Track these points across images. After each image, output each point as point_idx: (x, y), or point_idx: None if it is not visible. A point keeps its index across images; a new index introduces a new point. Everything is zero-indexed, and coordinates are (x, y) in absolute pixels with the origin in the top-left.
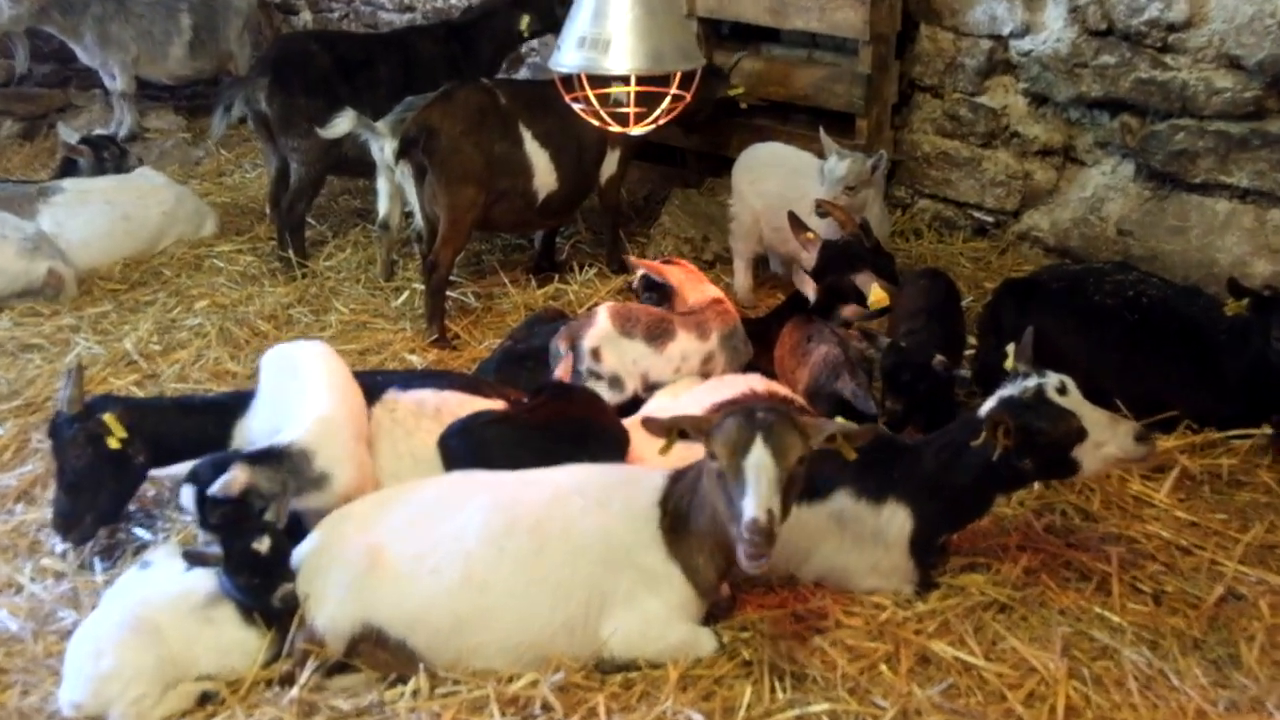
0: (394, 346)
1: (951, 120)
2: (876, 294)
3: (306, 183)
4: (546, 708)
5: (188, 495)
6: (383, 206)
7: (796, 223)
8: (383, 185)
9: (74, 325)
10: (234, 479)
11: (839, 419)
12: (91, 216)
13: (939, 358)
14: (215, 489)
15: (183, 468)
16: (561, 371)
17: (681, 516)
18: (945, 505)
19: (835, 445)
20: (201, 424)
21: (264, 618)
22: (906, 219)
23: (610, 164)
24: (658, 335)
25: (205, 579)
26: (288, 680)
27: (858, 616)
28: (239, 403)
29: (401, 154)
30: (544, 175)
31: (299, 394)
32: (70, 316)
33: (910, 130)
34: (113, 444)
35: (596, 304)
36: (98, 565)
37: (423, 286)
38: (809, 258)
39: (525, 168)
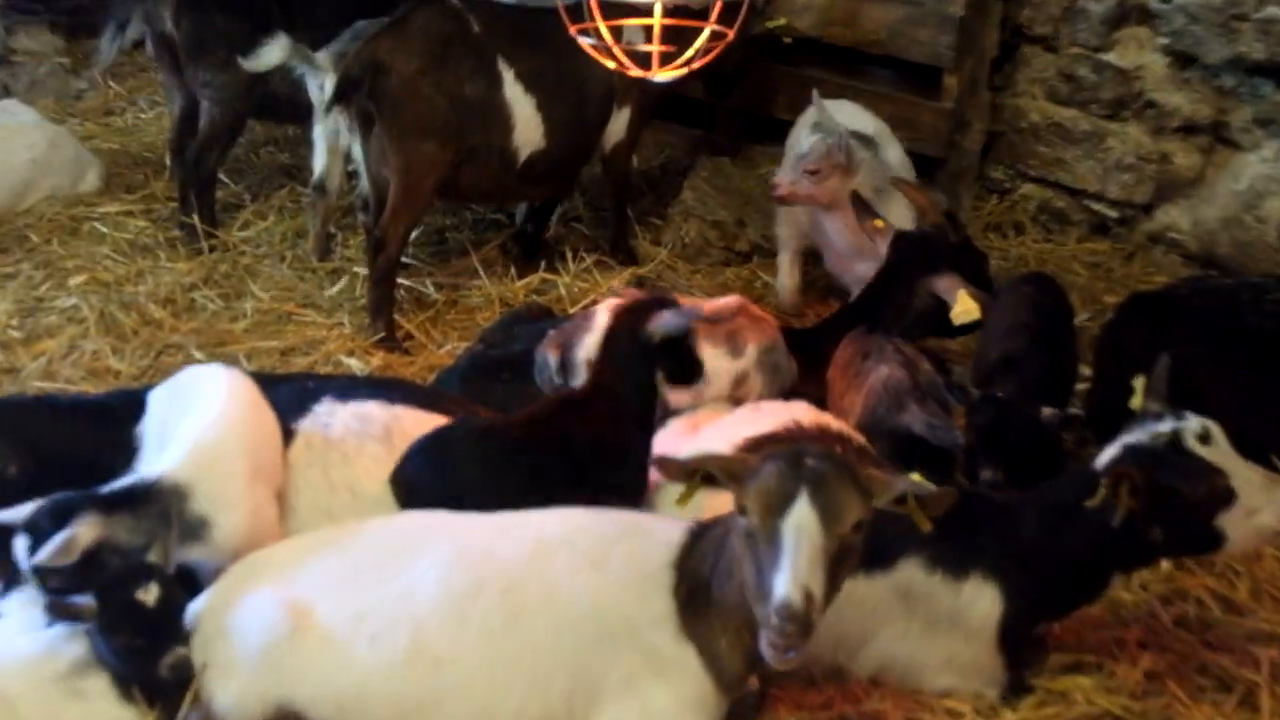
0: (327, 346)
1: (1068, 82)
2: (964, 304)
3: (220, 128)
4: None
5: (20, 549)
6: (319, 163)
7: (862, 206)
8: (320, 135)
9: None
10: (71, 540)
11: (916, 475)
12: None
13: (1049, 410)
14: (42, 556)
15: (18, 512)
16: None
17: (702, 584)
18: (1047, 583)
19: (906, 510)
20: (78, 433)
21: (146, 692)
22: (1005, 208)
23: (618, 125)
24: None
25: (72, 638)
26: None
27: None
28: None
29: (339, 98)
30: (527, 129)
31: (183, 418)
32: None
33: (1014, 93)
34: None
35: (594, 302)
36: None
37: (367, 270)
38: (875, 251)
39: (503, 117)
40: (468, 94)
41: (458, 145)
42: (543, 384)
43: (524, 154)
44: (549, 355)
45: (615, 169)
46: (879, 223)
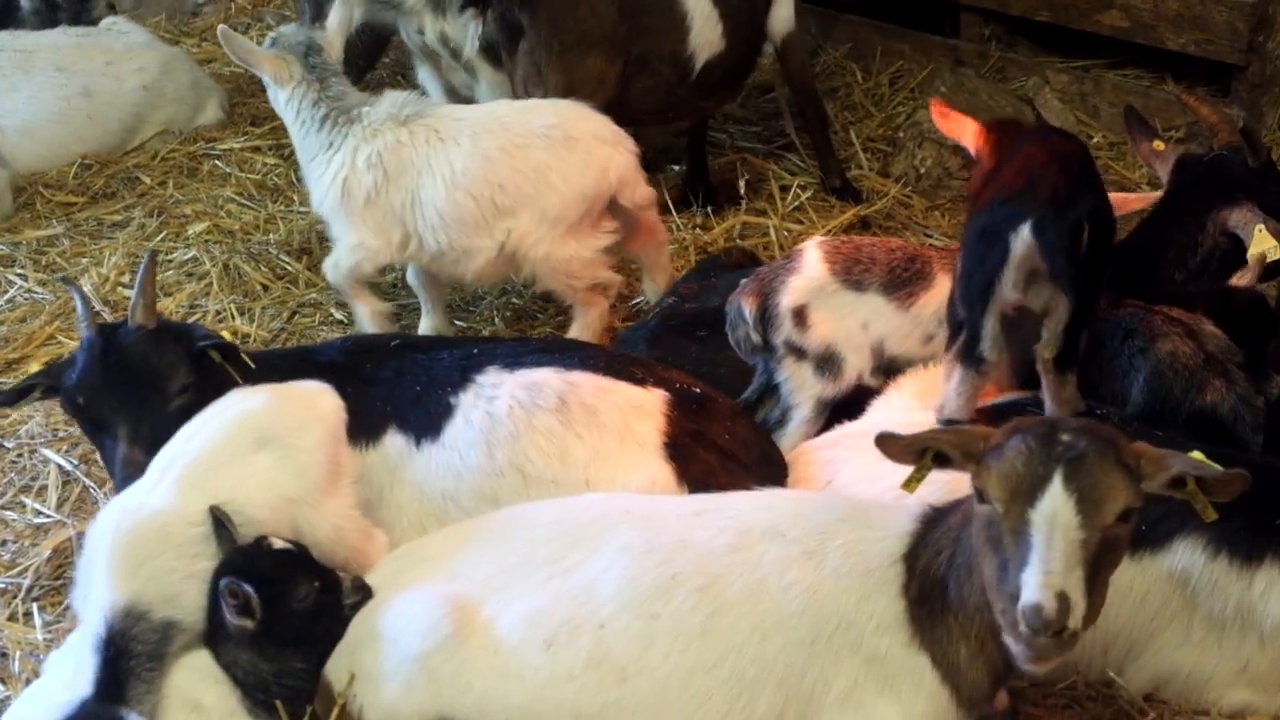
0: (492, 299)
1: None
2: (1264, 241)
3: (357, 46)
4: None
5: None
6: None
7: (1138, 123)
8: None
9: (7, 256)
10: None
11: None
12: (35, 92)
13: None
14: None
15: None
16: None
17: (937, 582)
18: None
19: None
20: None
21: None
22: None
23: (783, 9)
24: (904, 281)
25: None
26: None
27: None
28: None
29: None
30: (705, 28)
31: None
32: (2, 243)
33: None
34: None
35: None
36: None
37: None
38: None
39: (678, 17)
40: None
41: (626, 55)
42: (737, 343)
43: (701, 60)
44: (745, 306)
45: (797, 68)
46: (1159, 144)
